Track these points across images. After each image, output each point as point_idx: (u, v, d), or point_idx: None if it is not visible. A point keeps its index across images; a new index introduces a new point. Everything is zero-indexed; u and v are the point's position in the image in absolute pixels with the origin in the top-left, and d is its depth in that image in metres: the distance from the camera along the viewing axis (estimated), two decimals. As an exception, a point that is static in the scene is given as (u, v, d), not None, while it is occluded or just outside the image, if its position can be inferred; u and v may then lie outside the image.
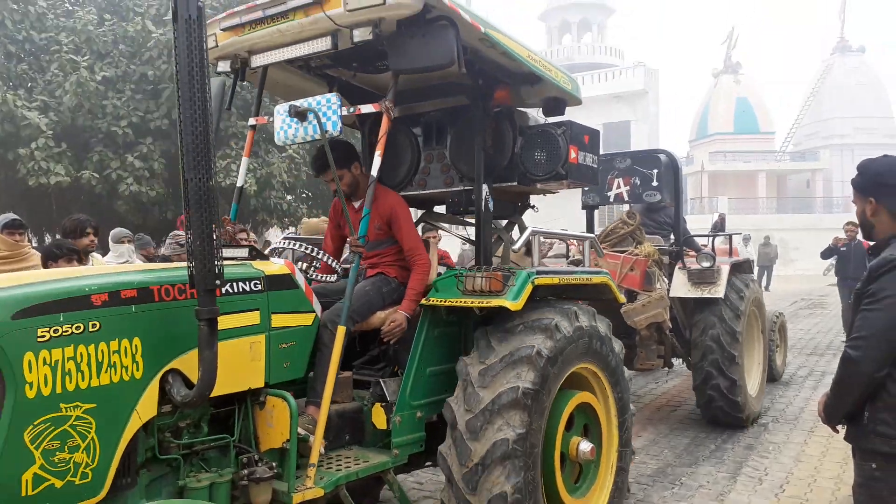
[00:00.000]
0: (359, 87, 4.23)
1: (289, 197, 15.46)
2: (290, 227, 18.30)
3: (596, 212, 7.44)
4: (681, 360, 7.13)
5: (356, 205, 3.86)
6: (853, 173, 2.72)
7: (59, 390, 2.29)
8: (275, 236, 16.30)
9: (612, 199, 7.07)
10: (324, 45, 3.33)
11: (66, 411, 2.31)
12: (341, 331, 3.11)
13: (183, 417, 2.77)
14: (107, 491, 2.42)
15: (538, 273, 3.58)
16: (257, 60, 3.60)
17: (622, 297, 4.42)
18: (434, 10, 3.10)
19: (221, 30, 3.54)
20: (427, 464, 3.82)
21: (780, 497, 4.82)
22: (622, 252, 6.15)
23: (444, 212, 4.56)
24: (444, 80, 3.90)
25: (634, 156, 7.08)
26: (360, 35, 3.19)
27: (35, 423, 2.24)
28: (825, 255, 11.98)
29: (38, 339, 2.27)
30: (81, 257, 4.87)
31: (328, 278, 3.59)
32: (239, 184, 3.95)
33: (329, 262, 3.57)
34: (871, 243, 2.72)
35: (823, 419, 2.71)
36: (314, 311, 3.27)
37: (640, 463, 5.57)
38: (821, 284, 24.56)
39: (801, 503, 4.71)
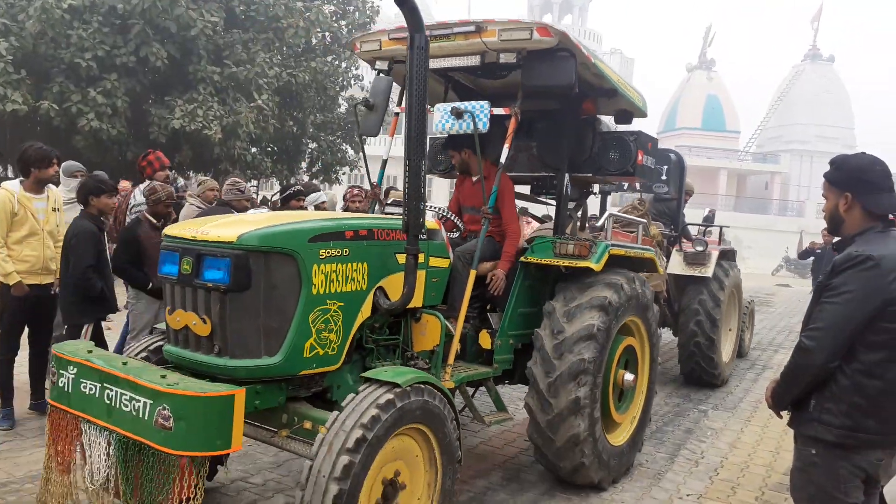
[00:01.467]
0: (466, 87, 5.30)
1: (254, 149, 15.17)
2: (253, 180, 18.00)
3: (609, 197, 8.09)
4: (667, 328, 8.24)
5: (473, 179, 4.84)
6: (811, 179, 2.78)
7: (327, 291, 3.36)
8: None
9: (626, 187, 7.92)
10: (473, 61, 4.39)
11: (329, 305, 3.38)
12: (472, 273, 4.16)
13: (377, 321, 3.79)
14: (341, 363, 3.52)
15: (612, 245, 4.66)
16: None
17: (661, 269, 5.82)
18: (561, 44, 4.14)
19: (389, 38, 4.54)
20: (506, 382, 4.87)
21: (714, 480, 4.99)
22: (631, 233, 6.77)
23: (529, 192, 5.78)
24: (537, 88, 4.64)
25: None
26: (506, 58, 4.26)
27: (314, 310, 3.30)
28: (803, 256, 13.21)
29: (320, 257, 3.32)
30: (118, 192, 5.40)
31: (452, 234, 4.75)
32: (384, 157, 5.04)
33: (456, 222, 4.83)
34: (836, 239, 2.78)
35: (770, 404, 2.80)
36: (449, 258, 4.29)
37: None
38: (769, 283, 25.28)
39: (733, 486, 4.89)
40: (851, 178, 2.65)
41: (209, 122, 12.68)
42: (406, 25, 3.42)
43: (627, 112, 5.40)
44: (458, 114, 4.21)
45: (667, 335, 8.64)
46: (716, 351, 7.46)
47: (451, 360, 4.02)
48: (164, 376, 2.93)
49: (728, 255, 8.25)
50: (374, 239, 3.63)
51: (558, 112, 5.05)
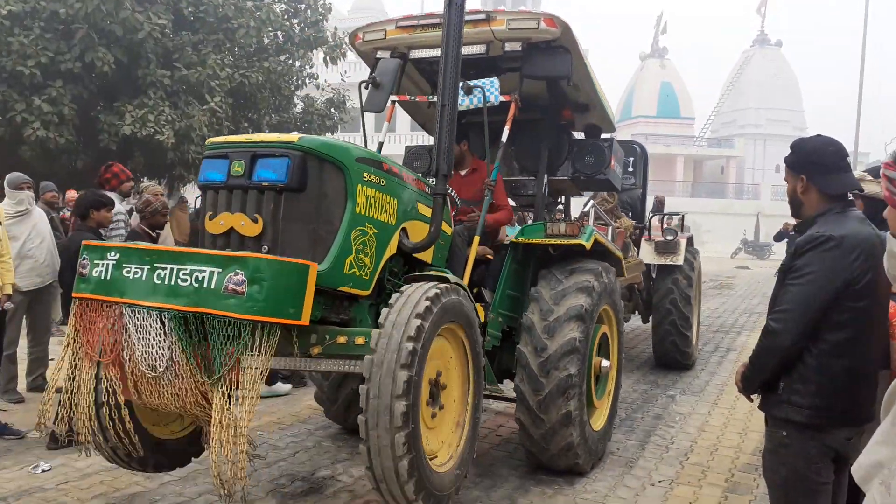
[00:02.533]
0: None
1: (209, 153, 14.89)
2: (132, 183, 17.62)
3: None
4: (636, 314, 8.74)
5: (462, 172, 5.08)
6: (765, 162, 2.80)
7: (367, 214, 3.49)
8: (192, 193, 15.71)
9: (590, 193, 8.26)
10: (478, 49, 4.61)
11: (367, 228, 3.49)
12: (476, 240, 4.43)
13: (395, 266, 3.92)
14: (370, 290, 3.60)
15: (596, 231, 4.95)
16: (417, 54, 4.95)
17: (635, 260, 6.99)
18: (561, 39, 4.51)
19: (396, 27, 4.76)
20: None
21: (685, 464, 5.03)
22: (603, 224, 6.95)
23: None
24: (524, 96, 4.94)
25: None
26: (511, 47, 4.56)
27: (356, 228, 3.41)
28: (777, 238, 13.68)
29: (363, 178, 3.47)
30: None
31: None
32: (381, 139, 5.37)
33: (452, 195, 4.91)
34: (797, 221, 2.80)
35: (740, 388, 2.81)
36: (451, 227, 4.49)
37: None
38: (728, 266, 25.75)
39: (703, 470, 4.93)
40: (806, 160, 2.66)
41: (161, 126, 12.37)
42: (412, 15, 4.05)
43: (596, 127, 5.90)
44: (468, 89, 4.36)
45: (630, 324, 8.79)
46: (690, 329, 7.79)
47: None
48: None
49: (691, 242, 8.62)
50: (404, 181, 3.87)
51: (537, 120, 5.38)
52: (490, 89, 4.40)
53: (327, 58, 16.27)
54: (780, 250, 32.29)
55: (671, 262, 7.89)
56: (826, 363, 2.51)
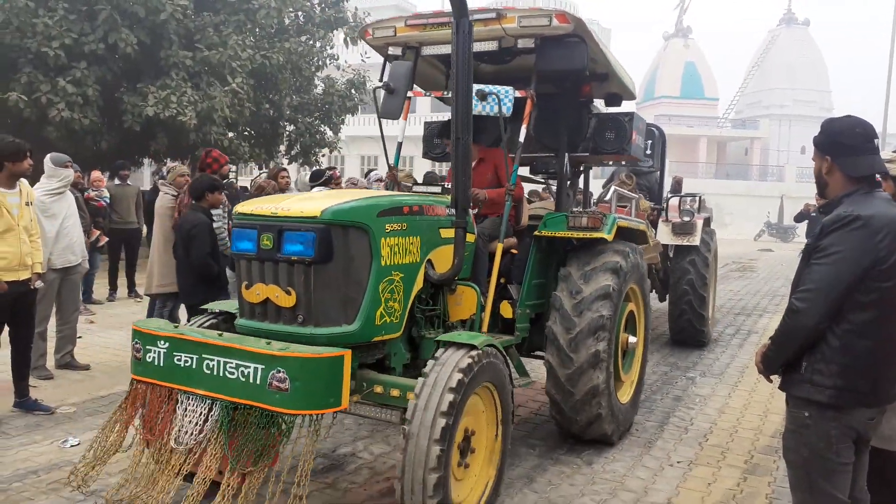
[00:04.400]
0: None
1: (230, 134, 14.95)
2: (231, 166, 17.77)
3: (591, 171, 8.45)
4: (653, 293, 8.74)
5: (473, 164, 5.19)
6: (790, 143, 2.78)
7: (392, 263, 3.57)
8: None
9: (611, 162, 8.02)
10: (490, 46, 4.62)
11: (393, 276, 3.59)
12: (500, 246, 4.50)
13: (424, 292, 3.97)
14: (402, 331, 3.74)
15: (619, 218, 5.10)
16: (429, 50, 4.98)
17: (653, 241, 6.64)
18: (576, 30, 4.44)
19: (406, 24, 4.78)
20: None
21: (704, 446, 5.03)
22: (624, 207, 7.06)
23: (528, 173, 5.97)
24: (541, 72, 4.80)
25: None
26: (524, 43, 4.53)
27: (383, 280, 3.51)
28: (798, 219, 13.86)
29: (386, 230, 3.54)
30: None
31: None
32: (399, 139, 5.28)
33: (480, 197, 4.81)
34: (824, 201, 2.78)
35: (760, 369, 2.80)
36: (475, 233, 4.43)
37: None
38: (751, 249, 25.49)
39: (722, 451, 4.93)
40: (832, 141, 2.64)
41: (183, 108, 12.48)
42: (421, 13, 4.03)
43: (617, 95, 5.79)
44: (482, 96, 4.37)
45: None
46: (706, 308, 8.01)
47: (485, 328, 4.34)
48: (268, 343, 3.14)
49: (707, 223, 8.73)
50: (424, 214, 3.89)
51: (556, 95, 5.25)
52: (504, 100, 4.42)
53: (347, 38, 16.25)
54: (803, 232, 31.99)
55: (688, 243, 8.05)
56: (850, 343, 2.49)
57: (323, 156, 18.66)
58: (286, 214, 3.35)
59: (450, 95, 4.06)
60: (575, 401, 4.53)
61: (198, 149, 13.87)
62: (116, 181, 10.55)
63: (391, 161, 5.22)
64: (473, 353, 3.35)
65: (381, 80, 4.82)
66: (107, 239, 9.31)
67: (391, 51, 5.00)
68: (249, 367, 3.05)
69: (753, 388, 6.50)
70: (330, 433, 5.06)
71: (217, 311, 3.92)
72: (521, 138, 4.65)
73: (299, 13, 16.03)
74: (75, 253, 6.21)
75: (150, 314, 7.76)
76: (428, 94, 5.57)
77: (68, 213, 6.14)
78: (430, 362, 3.33)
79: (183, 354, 3.25)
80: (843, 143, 2.60)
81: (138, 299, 10.06)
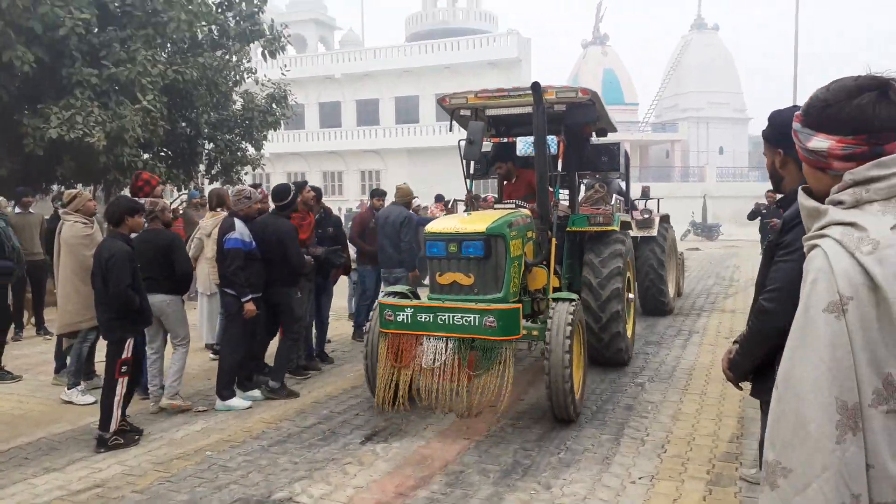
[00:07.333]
0: (500, 122, 7.71)
1: (145, 155, 14.11)
2: (162, 186, 16.80)
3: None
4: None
5: (512, 181, 7.71)
6: (709, 144, 2.57)
7: (514, 255, 5.69)
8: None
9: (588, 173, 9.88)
10: (529, 109, 6.24)
11: (514, 262, 5.70)
12: (554, 241, 6.45)
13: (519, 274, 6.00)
14: (519, 296, 5.94)
15: (621, 215, 7.83)
16: (490, 112, 7.30)
17: (633, 230, 9.74)
18: (591, 98, 6.80)
19: (476, 96, 6.96)
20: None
21: (663, 458, 4.80)
22: (598, 209, 8.64)
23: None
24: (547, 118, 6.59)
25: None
26: (558, 107, 6.77)
27: (511, 266, 5.65)
28: (751, 216, 13.57)
29: (510, 236, 5.65)
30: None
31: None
32: (469, 186, 7.60)
33: (534, 209, 6.76)
34: (780, 196, 2.59)
35: (729, 376, 2.56)
36: (534, 231, 6.50)
37: (523, 428, 5.43)
38: (679, 248, 25.94)
39: (683, 462, 4.71)
40: (782, 133, 2.42)
41: (91, 128, 11.64)
42: (486, 89, 6.89)
43: (604, 129, 8.05)
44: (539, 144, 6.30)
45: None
46: (665, 283, 10.39)
47: (551, 292, 6.12)
48: (476, 302, 5.39)
49: (665, 220, 11.15)
50: (521, 224, 6.04)
51: (571, 135, 7.28)
52: (552, 145, 6.61)
53: (265, 52, 15.66)
54: (728, 231, 32.92)
55: (647, 234, 10.35)
56: None
57: (246, 174, 17.88)
58: (465, 231, 5.57)
59: (506, 140, 7.30)
60: (603, 323, 6.90)
61: (109, 172, 13.04)
62: (17, 209, 9.71)
63: (468, 187, 7.49)
64: (575, 302, 5.54)
65: (450, 129, 7.95)
66: None
67: (462, 113, 7.28)
68: (471, 316, 5.18)
69: (703, 392, 6.35)
70: (263, 476, 4.59)
71: (398, 292, 5.98)
72: (559, 168, 7.33)
73: (213, 27, 15.32)
74: None
75: (58, 356, 7.12)
76: (488, 139, 7.49)
77: None
78: (551, 309, 5.45)
79: (422, 314, 5.30)
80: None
81: (48, 337, 9.25)
